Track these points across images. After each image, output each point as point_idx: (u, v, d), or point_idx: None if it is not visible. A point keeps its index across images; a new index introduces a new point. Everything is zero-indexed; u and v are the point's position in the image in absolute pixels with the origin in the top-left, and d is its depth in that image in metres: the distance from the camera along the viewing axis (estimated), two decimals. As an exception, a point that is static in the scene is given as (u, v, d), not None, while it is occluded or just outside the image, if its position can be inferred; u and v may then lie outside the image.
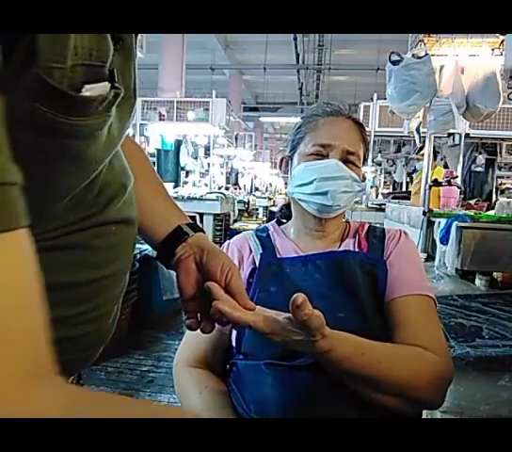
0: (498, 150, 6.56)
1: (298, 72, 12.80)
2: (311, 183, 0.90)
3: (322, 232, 0.95)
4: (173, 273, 0.65)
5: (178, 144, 7.13)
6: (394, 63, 2.88)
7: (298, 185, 0.92)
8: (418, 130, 3.46)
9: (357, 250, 0.92)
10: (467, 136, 5.68)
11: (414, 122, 3.30)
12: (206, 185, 7.47)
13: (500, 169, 6.90)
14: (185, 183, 7.36)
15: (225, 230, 6.12)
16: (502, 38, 3.32)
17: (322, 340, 0.67)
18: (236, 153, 9.62)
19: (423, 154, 3.69)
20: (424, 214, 2.72)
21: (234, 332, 0.88)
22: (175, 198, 4.92)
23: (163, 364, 2.89)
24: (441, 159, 6.04)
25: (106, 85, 0.34)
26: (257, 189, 12.72)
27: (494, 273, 2.17)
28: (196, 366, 0.89)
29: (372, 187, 7.64)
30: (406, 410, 0.76)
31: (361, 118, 6.19)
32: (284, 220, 1.04)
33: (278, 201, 10.21)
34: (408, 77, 2.83)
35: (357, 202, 5.61)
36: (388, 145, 8.89)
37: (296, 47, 11.17)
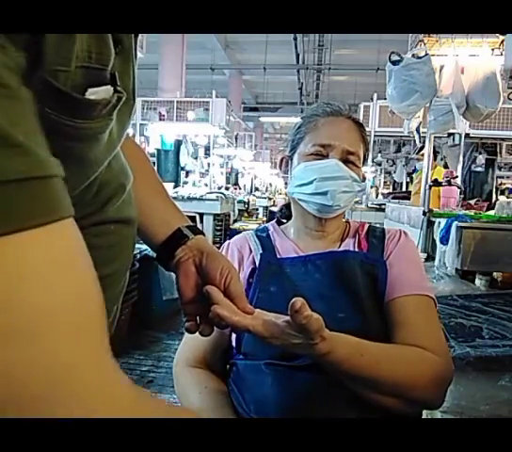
0: (498, 150, 6.55)
1: (298, 72, 12.79)
2: (311, 183, 0.90)
3: (322, 232, 0.95)
4: (173, 274, 0.65)
5: (178, 144, 7.12)
6: (394, 63, 2.88)
7: (298, 185, 0.92)
8: (418, 130, 3.46)
9: (357, 250, 0.92)
10: (467, 136, 5.67)
11: (414, 122, 3.30)
12: (206, 185, 7.46)
13: (500, 169, 6.89)
14: (185, 183, 7.35)
15: (225, 230, 6.11)
16: (502, 38, 3.32)
17: (321, 343, 0.67)
18: (236, 153, 9.61)
19: (423, 154, 3.69)
20: (424, 214, 2.72)
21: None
22: (175, 198, 4.93)
23: (163, 364, 2.89)
24: (441, 159, 6.04)
25: (109, 88, 0.34)
26: (257, 189, 12.71)
27: (494, 273, 2.17)
28: (196, 366, 0.89)
29: (372, 187, 7.64)
30: (406, 410, 0.76)
31: (361, 118, 6.19)
32: (284, 220, 1.04)
33: (278, 201, 10.20)
34: (408, 77, 2.83)
35: (357, 202, 5.60)
36: (388, 145, 8.88)
37: (295, 47, 11.16)
